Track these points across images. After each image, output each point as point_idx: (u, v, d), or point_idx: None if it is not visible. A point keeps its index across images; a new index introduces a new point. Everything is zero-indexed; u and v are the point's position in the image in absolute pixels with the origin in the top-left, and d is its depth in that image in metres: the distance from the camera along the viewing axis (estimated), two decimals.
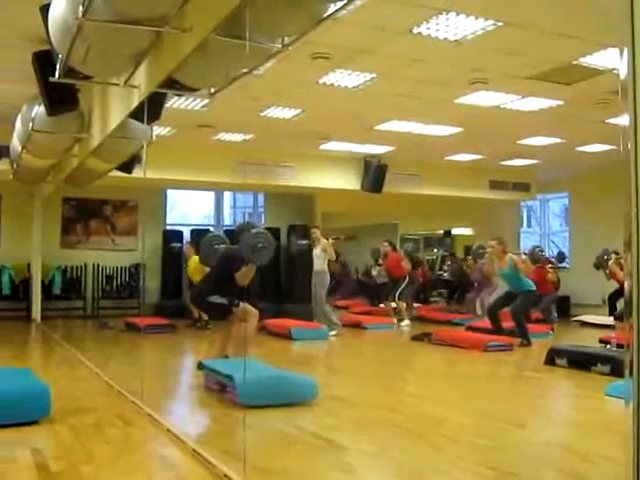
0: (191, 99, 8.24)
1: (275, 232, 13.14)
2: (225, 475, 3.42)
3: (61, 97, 6.18)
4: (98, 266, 13.54)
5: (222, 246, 7.04)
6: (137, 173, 8.85)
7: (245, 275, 6.25)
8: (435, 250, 19.16)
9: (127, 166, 8.26)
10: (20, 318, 12.61)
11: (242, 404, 4.80)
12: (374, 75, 7.59)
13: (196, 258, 10.58)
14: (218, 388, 5.55)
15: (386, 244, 12.76)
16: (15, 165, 9.58)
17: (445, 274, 16.30)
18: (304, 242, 12.74)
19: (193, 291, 7.93)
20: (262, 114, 9.27)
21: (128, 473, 3.58)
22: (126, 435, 4.44)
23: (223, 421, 4.93)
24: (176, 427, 4.36)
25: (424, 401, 5.75)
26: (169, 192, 14.61)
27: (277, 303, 12.78)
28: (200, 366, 5.93)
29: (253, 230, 6.30)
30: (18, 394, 4.60)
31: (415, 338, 9.94)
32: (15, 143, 8.61)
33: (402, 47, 6.64)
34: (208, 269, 7.73)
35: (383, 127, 10.19)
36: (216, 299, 6.37)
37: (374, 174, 12.49)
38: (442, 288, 16.80)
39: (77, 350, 8.45)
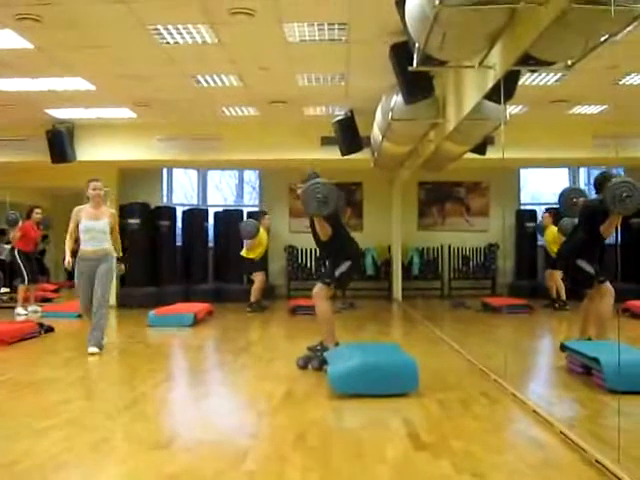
0: (544, 74, 8.00)
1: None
2: (597, 461, 3.29)
3: (417, 85, 6.46)
4: (453, 247, 13.87)
5: (581, 199, 6.73)
6: (489, 154, 8.90)
7: (610, 227, 5.92)
8: None
9: (481, 148, 8.34)
10: (382, 297, 13.51)
11: (609, 389, 4.59)
12: None
13: (554, 228, 10.30)
14: (582, 371, 5.35)
15: None
16: (375, 154, 10.26)
17: None
18: None
19: (560, 251, 7.35)
20: (620, 82, 8.65)
21: (498, 451, 3.63)
22: (492, 413, 4.50)
23: (590, 405, 4.74)
24: (541, 408, 4.29)
25: None
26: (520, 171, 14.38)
27: None
28: (563, 348, 5.77)
29: (615, 179, 5.91)
30: (390, 367, 4.96)
31: None
32: (375, 133, 9.23)
33: None
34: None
35: None
36: (584, 265, 6.09)
37: None
38: None
39: (437, 328, 8.78)
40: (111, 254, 7.05)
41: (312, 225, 6.06)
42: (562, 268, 7.20)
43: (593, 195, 6.42)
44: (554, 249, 10.50)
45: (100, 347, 6.89)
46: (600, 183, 6.09)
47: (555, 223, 10.31)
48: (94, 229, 6.93)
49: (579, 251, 6.19)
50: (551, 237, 10.56)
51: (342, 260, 5.98)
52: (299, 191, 5.91)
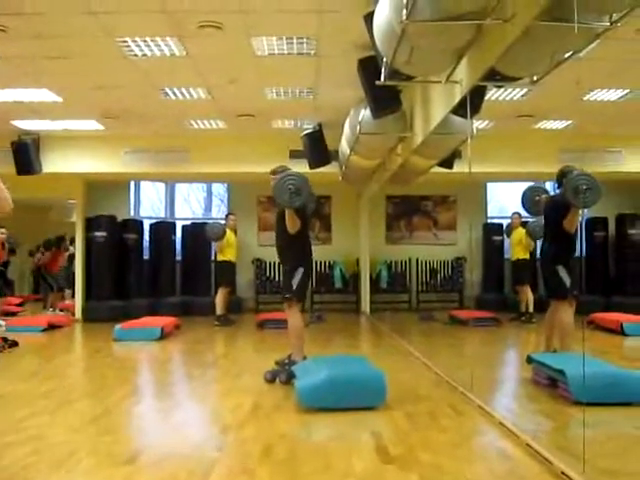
0: (510, 89, 8.11)
1: (603, 222, 12.52)
2: (562, 472, 3.31)
3: (385, 99, 6.51)
4: (421, 260, 13.94)
5: (544, 196, 6.77)
6: (457, 168, 8.98)
7: (572, 221, 5.97)
8: None
9: (448, 162, 8.41)
10: (350, 310, 13.51)
11: (574, 400, 4.63)
12: None
13: (522, 230, 10.39)
14: (548, 383, 5.40)
15: None
16: (343, 167, 10.29)
17: None
18: (637, 232, 12.17)
19: (541, 258, 7.18)
20: (584, 98, 8.80)
21: (467, 462, 3.66)
22: (459, 425, 4.52)
23: (555, 417, 4.79)
24: (508, 420, 4.33)
25: None
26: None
27: (606, 296, 12.03)
28: (529, 360, 5.83)
29: (575, 172, 5.94)
30: (357, 380, 4.95)
31: None
32: (344, 146, 9.26)
33: None
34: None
35: None
36: (563, 273, 6.09)
37: None
38: None
39: (405, 341, 8.80)
40: None
41: (278, 221, 6.07)
42: (544, 270, 7.08)
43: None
44: (518, 251, 10.65)
45: None
46: (561, 177, 6.12)
47: (524, 226, 10.41)
48: None
49: (556, 256, 6.21)
50: (517, 238, 10.66)
51: (296, 267, 6.02)
52: (272, 183, 5.90)
